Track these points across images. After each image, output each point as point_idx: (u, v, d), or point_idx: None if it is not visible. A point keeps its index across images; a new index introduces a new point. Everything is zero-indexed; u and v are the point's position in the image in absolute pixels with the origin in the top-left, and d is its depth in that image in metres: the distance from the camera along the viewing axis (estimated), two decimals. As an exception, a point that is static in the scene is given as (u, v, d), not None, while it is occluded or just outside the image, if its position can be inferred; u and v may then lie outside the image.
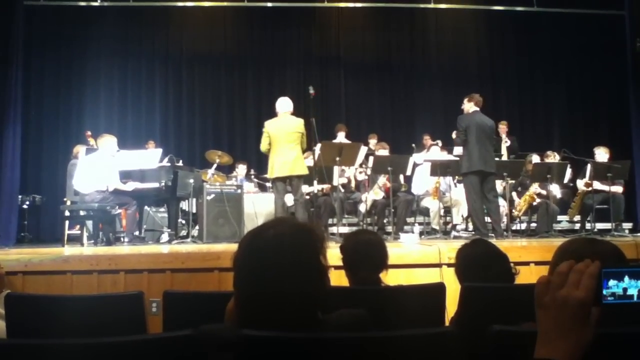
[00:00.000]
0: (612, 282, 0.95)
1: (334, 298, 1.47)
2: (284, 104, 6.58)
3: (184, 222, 7.88)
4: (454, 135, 7.22)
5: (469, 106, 6.68)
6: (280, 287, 1.33)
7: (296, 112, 6.66)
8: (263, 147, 6.54)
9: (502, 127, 9.66)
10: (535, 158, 8.08)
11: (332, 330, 1.40)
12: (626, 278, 0.95)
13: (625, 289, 0.95)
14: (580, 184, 7.76)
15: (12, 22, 7.22)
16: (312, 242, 1.42)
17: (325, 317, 1.43)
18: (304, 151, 6.65)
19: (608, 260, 1.27)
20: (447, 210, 7.77)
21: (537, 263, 4.27)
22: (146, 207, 7.57)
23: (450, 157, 7.59)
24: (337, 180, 7.33)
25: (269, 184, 8.75)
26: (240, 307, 1.40)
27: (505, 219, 7.49)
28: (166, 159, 7.63)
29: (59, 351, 1.21)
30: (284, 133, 6.39)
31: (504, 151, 9.39)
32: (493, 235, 6.28)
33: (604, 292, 0.94)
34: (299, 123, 6.41)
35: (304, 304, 1.36)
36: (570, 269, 0.96)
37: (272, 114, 6.68)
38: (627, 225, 8.32)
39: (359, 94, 11.33)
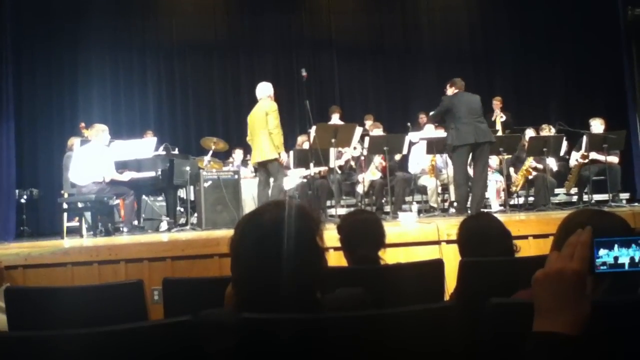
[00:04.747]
0: (602, 252, 0.95)
1: (333, 278, 1.47)
2: (257, 90, 6.61)
3: (182, 210, 7.87)
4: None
5: (451, 91, 6.67)
6: (277, 269, 1.32)
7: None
8: (248, 138, 6.68)
9: (496, 103, 9.63)
10: (530, 132, 8.05)
11: (331, 310, 1.40)
12: (616, 247, 0.95)
13: (616, 258, 0.95)
14: (576, 156, 7.75)
15: (1, 16, 7.13)
16: (308, 223, 1.41)
17: (323, 297, 1.44)
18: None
19: (617, 233, 1.27)
20: (445, 188, 7.78)
21: (535, 236, 4.28)
22: (144, 197, 7.56)
23: (446, 135, 7.56)
24: (334, 163, 7.31)
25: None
26: (238, 291, 1.41)
27: (502, 194, 7.51)
28: (161, 148, 7.61)
29: (59, 342, 1.21)
30: (252, 120, 6.51)
31: (499, 126, 9.37)
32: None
33: (596, 261, 0.95)
34: (260, 105, 6.38)
35: (301, 285, 1.36)
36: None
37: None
38: (625, 196, 8.33)
39: (352, 75, 11.27)
